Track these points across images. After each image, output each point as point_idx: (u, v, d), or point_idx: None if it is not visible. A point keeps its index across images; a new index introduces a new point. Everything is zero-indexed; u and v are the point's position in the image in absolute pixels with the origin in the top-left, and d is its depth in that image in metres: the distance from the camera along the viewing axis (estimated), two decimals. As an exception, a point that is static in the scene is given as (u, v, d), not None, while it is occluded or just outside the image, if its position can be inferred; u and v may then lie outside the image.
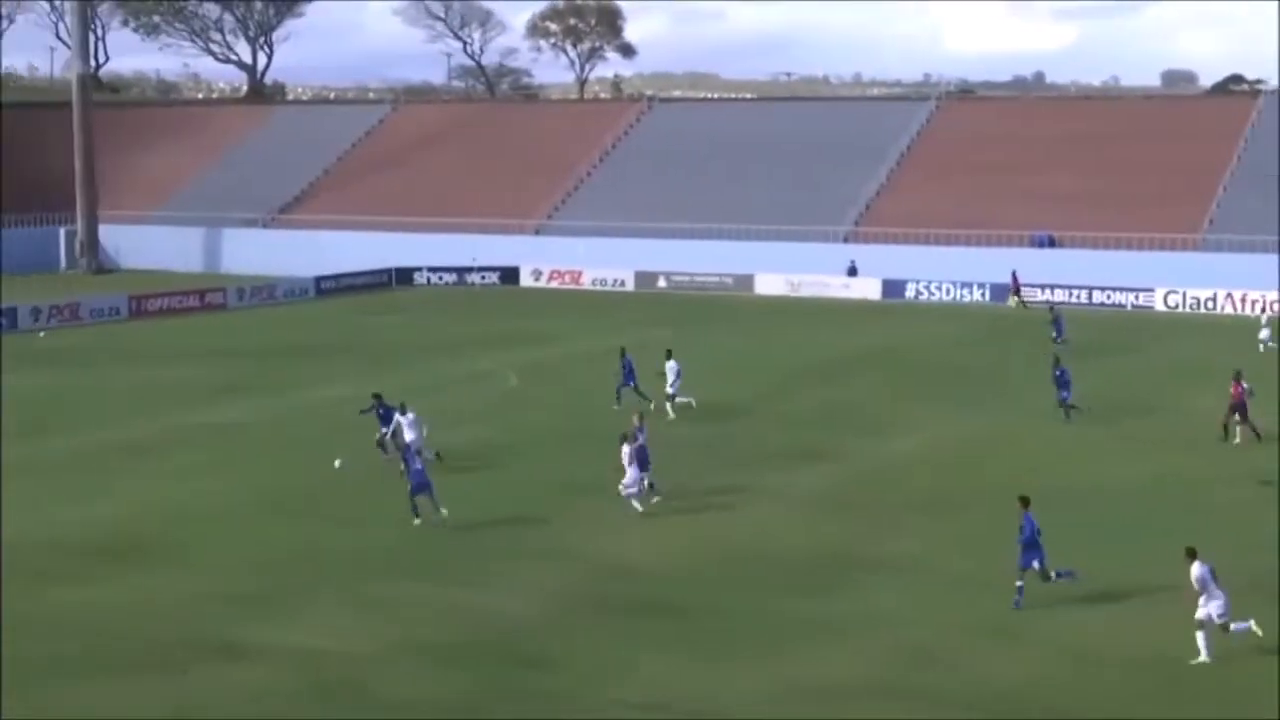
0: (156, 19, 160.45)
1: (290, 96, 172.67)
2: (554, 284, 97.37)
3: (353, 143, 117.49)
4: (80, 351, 69.42)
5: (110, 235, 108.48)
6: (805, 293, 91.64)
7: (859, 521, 38.44)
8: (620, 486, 39.68)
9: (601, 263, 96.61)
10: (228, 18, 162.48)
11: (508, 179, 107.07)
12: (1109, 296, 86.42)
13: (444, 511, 37.92)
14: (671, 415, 51.94)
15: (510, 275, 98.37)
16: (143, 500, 41.14)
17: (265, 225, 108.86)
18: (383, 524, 38.45)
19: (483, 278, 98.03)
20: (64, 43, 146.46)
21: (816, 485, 42.56)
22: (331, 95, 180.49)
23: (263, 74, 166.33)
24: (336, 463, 43.05)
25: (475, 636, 30.25)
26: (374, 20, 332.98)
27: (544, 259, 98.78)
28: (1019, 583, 31.40)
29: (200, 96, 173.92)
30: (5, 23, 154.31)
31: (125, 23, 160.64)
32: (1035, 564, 31.30)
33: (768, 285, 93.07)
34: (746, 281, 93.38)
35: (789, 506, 40.24)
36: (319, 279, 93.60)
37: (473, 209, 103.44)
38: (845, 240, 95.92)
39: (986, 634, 30.07)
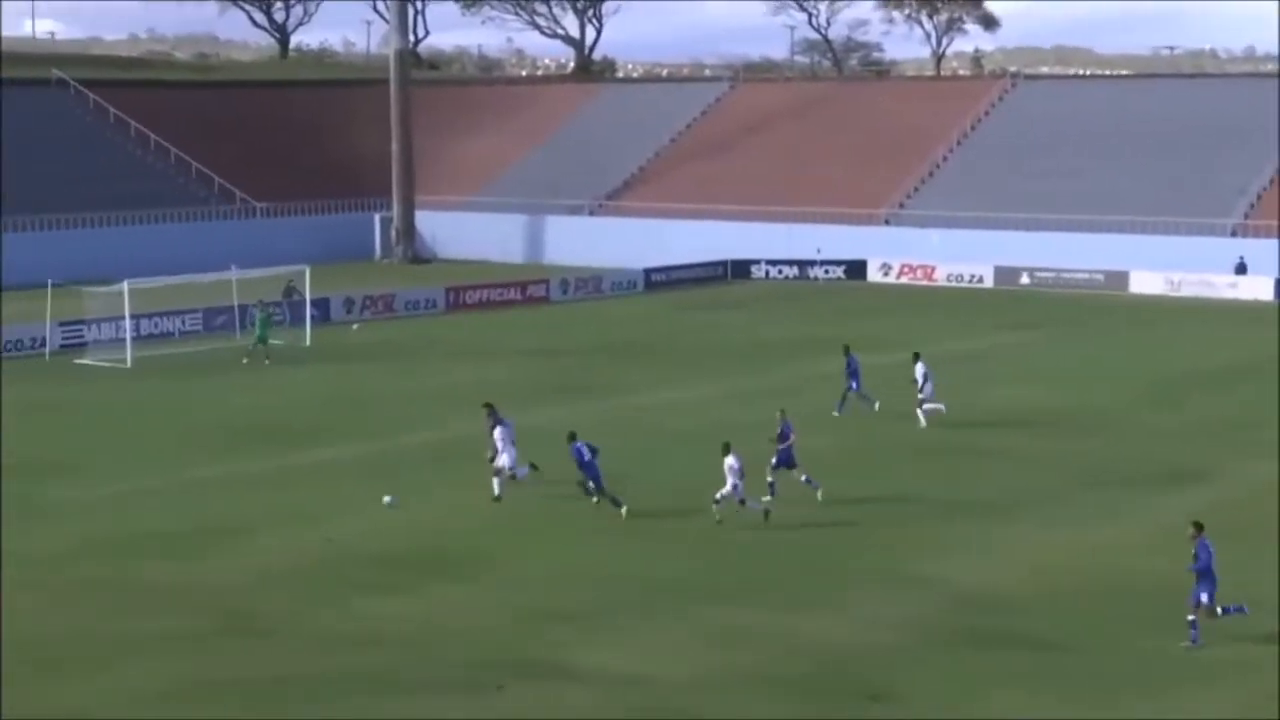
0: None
1: (620, 73, 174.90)
2: (904, 279, 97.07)
3: (687, 123, 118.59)
4: (394, 346, 71.51)
5: (426, 222, 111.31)
6: (1186, 292, 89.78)
7: (1234, 552, 37.57)
8: (719, 494, 40.12)
9: (957, 257, 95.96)
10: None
11: (855, 164, 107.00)
12: None
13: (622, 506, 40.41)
14: (923, 423, 52.09)
15: (857, 269, 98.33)
16: (451, 507, 42.34)
17: (591, 213, 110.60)
18: (706, 542, 38.99)
19: (826, 272, 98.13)
20: (382, 16, 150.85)
21: (1186, 510, 41.72)
22: (664, 72, 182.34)
23: (591, 49, 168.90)
24: (386, 499, 42.69)
25: (811, 665, 30.50)
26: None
27: (894, 252, 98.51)
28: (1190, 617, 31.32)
29: (524, 74, 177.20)
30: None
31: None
32: (1204, 597, 31.20)
33: (1143, 283, 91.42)
34: (1119, 279, 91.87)
35: (1153, 532, 39.61)
36: (648, 271, 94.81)
37: (816, 196, 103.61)
38: (1233, 234, 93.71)
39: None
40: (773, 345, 70.50)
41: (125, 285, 67.72)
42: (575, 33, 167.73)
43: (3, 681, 29.50)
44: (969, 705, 28.58)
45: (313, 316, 74.13)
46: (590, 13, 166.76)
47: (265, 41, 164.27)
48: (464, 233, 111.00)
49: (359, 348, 71.57)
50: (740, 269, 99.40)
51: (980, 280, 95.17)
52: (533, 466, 43.55)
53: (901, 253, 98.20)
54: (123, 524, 41.15)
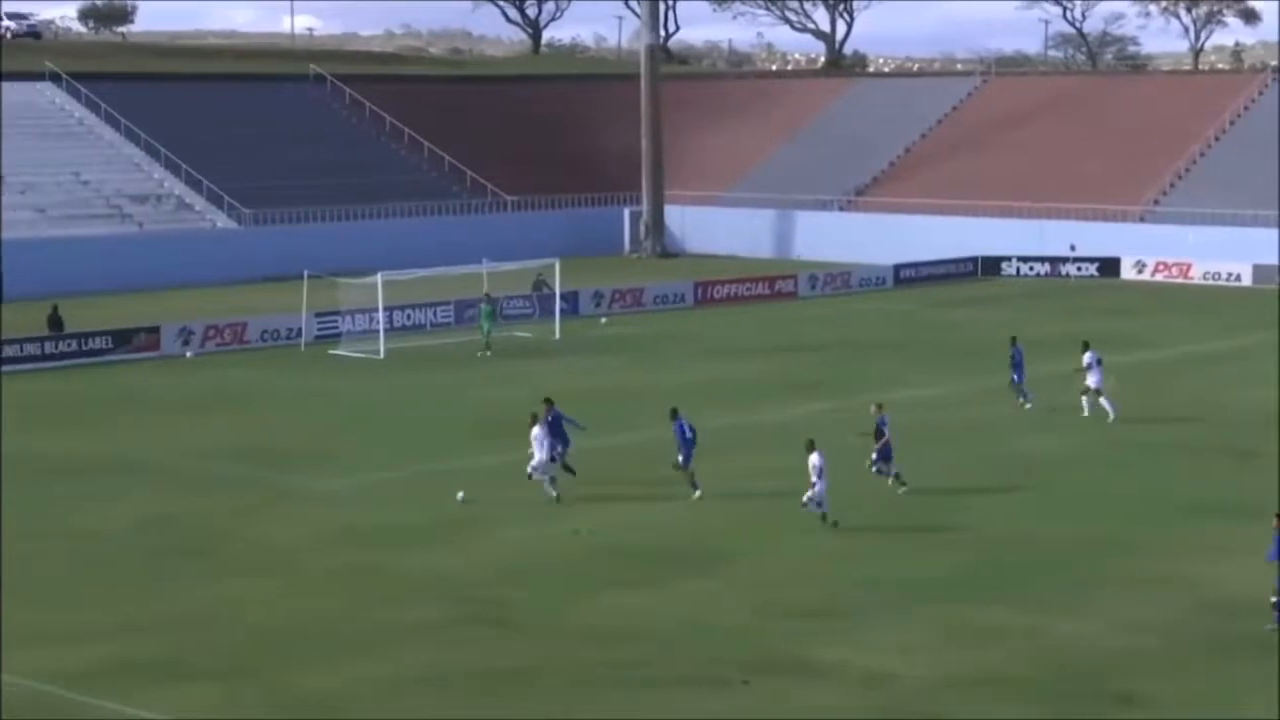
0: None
1: (870, 68, 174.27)
2: (1159, 277, 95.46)
3: (938, 119, 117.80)
4: (642, 341, 71.96)
5: (675, 217, 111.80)
6: None
7: None
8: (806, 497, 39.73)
9: (1215, 255, 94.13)
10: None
11: (1109, 160, 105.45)
12: None
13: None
14: (1085, 411, 52.50)
15: (1110, 267, 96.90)
16: (695, 502, 42.51)
17: (841, 208, 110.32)
18: (941, 540, 38.87)
19: (1079, 269, 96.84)
20: (633, 12, 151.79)
21: None
22: (915, 67, 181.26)
23: (842, 43, 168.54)
24: (459, 495, 42.70)
25: (1058, 667, 30.22)
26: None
27: (1149, 249, 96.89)
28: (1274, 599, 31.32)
29: (774, 68, 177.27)
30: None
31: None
32: None
33: None
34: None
35: None
36: (898, 267, 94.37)
37: (1069, 193, 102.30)
38: None
39: None
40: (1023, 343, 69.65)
41: (379, 277, 68.93)
42: (826, 27, 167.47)
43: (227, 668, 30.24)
44: (1221, 712, 28.11)
45: (562, 310, 74.84)
46: (841, 7, 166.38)
47: (518, 37, 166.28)
48: (712, 227, 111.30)
49: (607, 341, 72.13)
50: (990, 266, 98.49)
51: (1238, 279, 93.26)
52: (567, 469, 43.89)
53: (1156, 250, 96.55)
54: (372, 514, 41.97)
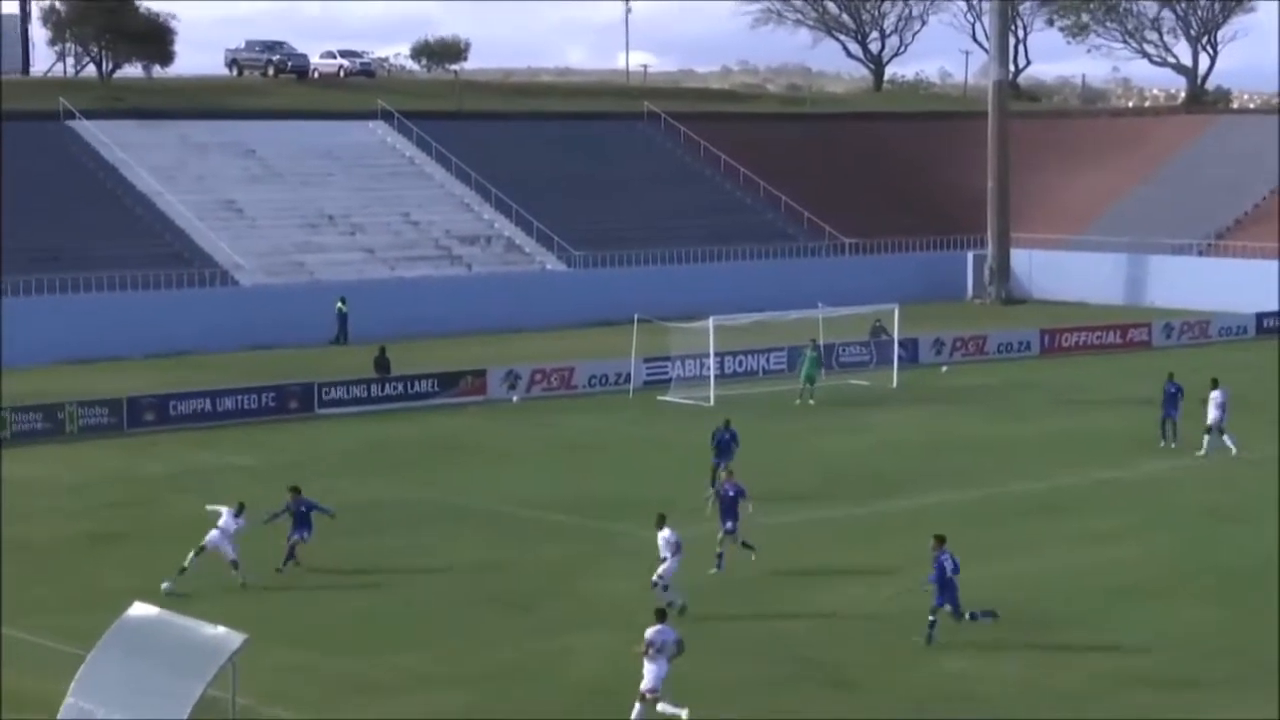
0: (1085, 18, 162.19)
1: (1235, 104, 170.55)
2: None
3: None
4: (986, 390, 71.21)
5: (1022, 261, 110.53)
6: None
7: None
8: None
9: None
10: (1166, 15, 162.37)
11: None
12: None
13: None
14: (1202, 451, 53.68)
15: None
16: (1052, 564, 42.00)
17: (1200, 252, 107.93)
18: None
19: None
20: (981, 46, 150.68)
21: None
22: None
23: (1204, 78, 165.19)
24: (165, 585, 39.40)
25: None
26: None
27: None
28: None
29: (1129, 105, 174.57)
30: (919, 24, 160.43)
31: (1050, 23, 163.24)
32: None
33: None
34: None
35: None
36: (1260, 316, 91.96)
37: None
38: None
39: None
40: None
41: (710, 322, 69.25)
42: (1187, 61, 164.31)
43: None
44: None
45: (900, 357, 74.46)
46: (1205, 40, 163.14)
47: (859, 73, 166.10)
48: (1060, 272, 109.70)
49: (949, 390, 71.54)
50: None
51: None
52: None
53: None
54: (696, 568, 42.05)
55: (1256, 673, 33.25)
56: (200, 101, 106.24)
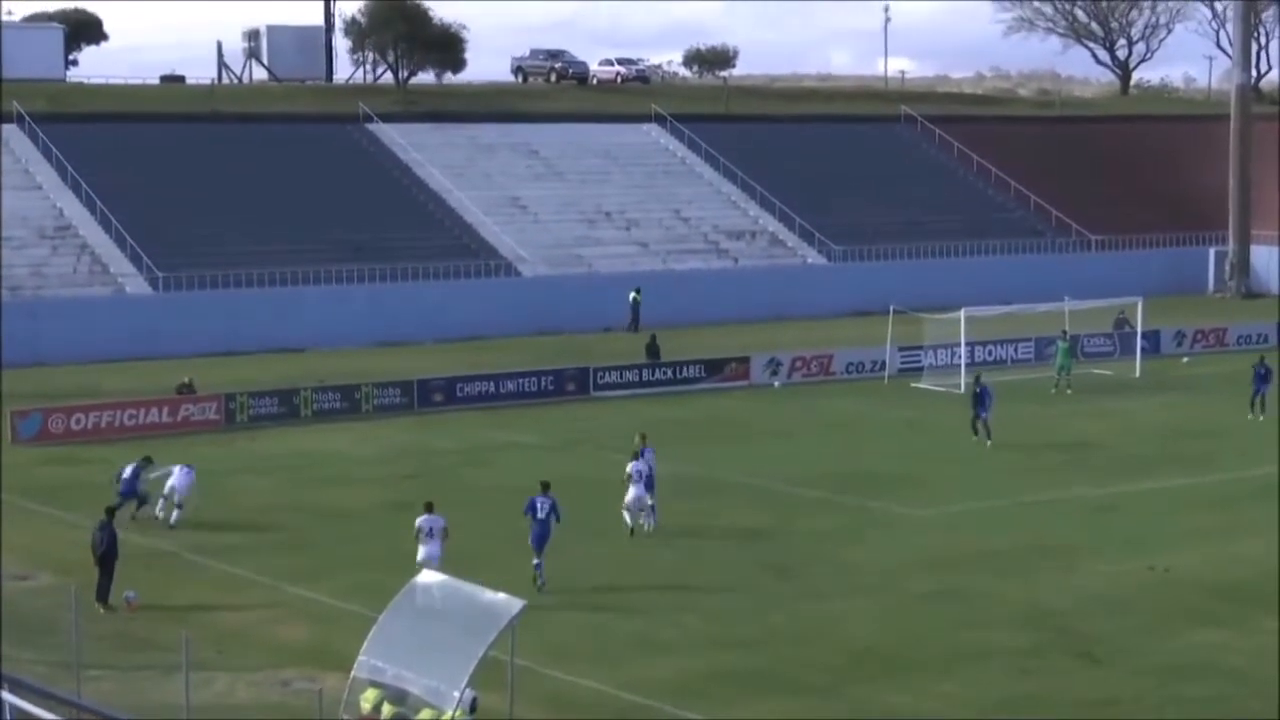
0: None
1: None
2: None
3: None
4: (1225, 380, 69.71)
5: (1262, 257, 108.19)
6: None
7: None
8: None
9: None
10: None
11: None
12: None
13: None
14: None
15: None
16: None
17: None
18: None
19: None
20: (1224, 52, 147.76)
21: None
22: None
23: None
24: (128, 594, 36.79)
25: None
26: None
27: None
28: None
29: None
30: (1165, 32, 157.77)
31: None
32: None
33: None
34: None
35: None
36: None
37: None
38: None
39: None
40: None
41: (962, 313, 68.83)
42: None
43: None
44: None
45: (1143, 348, 73.38)
46: None
47: (1106, 78, 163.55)
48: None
49: (1190, 380, 70.41)
50: None
51: None
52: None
53: None
54: (956, 540, 42.08)
55: None
56: (488, 105, 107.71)
